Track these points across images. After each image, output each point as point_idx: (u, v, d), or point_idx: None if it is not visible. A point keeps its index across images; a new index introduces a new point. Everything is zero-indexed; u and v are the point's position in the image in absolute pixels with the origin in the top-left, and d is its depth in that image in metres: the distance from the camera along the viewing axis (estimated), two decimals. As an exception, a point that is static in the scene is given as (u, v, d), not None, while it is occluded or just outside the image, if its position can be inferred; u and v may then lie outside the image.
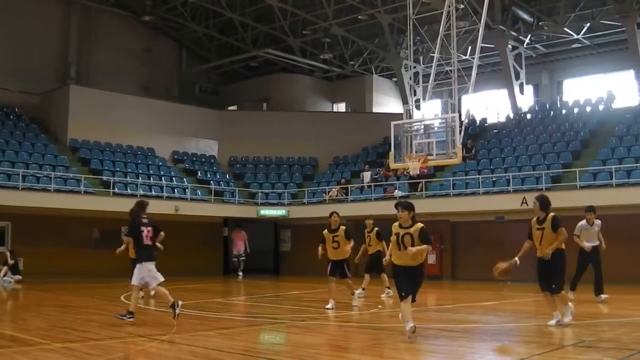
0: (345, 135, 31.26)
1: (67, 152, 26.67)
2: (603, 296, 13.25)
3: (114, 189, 24.40)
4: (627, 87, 28.12)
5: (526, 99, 30.33)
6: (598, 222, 13.30)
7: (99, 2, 31.22)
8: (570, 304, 9.60)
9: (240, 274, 25.30)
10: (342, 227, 12.59)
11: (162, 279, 10.24)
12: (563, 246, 9.30)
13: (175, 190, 26.63)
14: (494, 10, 26.63)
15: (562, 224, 9.24)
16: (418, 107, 28.48)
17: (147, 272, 10.16)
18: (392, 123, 19.51)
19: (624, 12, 25.30)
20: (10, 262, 20.88)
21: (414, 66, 31.08)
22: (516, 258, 9.27)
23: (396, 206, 8.51)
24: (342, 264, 12.61)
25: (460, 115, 20.06)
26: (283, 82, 35.38)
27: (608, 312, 12.06)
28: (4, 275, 20.51)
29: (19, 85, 28.08)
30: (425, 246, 8.26)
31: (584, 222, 13.23)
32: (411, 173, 20.43)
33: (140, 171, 27.13)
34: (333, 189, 27.18)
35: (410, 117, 20.46)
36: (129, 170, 26.92)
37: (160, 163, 28.74)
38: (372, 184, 26.42)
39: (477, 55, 20.25)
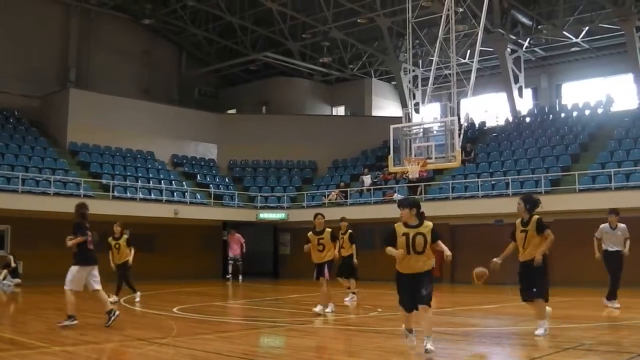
0: (344, 138, 31.28)
1: (67, 155, 26.67)
2: (615, 304, 12.41)
3: (113, 192, 24.42)
4: (625, 91, 28.19)
5: (525, 103, 30.38)
6: (622, 226, 12.53)
7: (99, 5, 31.24)
8: (546, 321, 8.80)
9: (240, 277, 24.66)
10: (328, 230, 12.05)
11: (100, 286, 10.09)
12: (547, 251, 8.83)
13: (175, 193, 26.61)
14: (493, 13, 26.67)
15: (548, 227, 8.82)
16: (417, 111, 28.47)
17: (80, 276, 9.93)
18: (392, 126, 19.54)
19: (623, 16, 25.34)
20: (13, 265, 20.90)
21: (413, 70, 31.11)
22: (497, 259, 8.77)
23: (398, 205, 7.69)
24: (323, 265, 11.97)
25: (459, 119, 20.13)
26: (282, 86, 35.41)
27: (608, 315, 12.05)
28: (4, 279, 20.47)
29: (18, 89, 28.09)
30: (445, 248, 7.51)
31: (606, 225, 12.60)
32: (410, 176, 20.45)
33: (140, 175, 27.13)
34: (332, 193, 27.19)
35: (410, 120, 20.53)
36: (129, 173, 26.91)
37: (159, 166, 28.75)
38: (372, 187, 26.43)
39: (476, 58, 20.27)
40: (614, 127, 24.88)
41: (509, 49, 28.89)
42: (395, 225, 7.52)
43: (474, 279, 8.71)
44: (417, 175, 20.19)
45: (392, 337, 9.22)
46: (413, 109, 28.60)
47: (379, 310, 12.92)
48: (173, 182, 27.71)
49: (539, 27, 28.62)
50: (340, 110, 36.35)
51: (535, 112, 29.90)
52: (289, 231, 28.46)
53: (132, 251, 14.75)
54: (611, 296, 12.58)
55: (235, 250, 24.84)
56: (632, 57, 26.21)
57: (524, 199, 9.06)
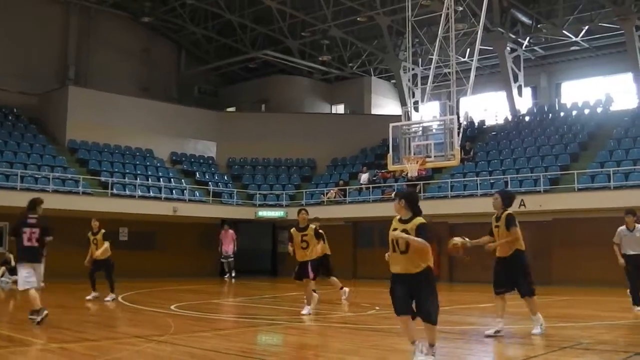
0: (343, 136, 31.27)
1: (66, 152, 26.66)
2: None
3: (112, 189, 24.41)
4: (625, 90, 28.18)
5: (524, 101, 30.37)
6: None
7: (98, 3, 31.22)
8: (539, 314, 8.87)
9: (233, 274, 23.33)
10: (312, 226, 11.69)
11: (36, 285, 10.04)
12: (522, 247, 8.72)
13: (174, 191, 26.61)
14: (492, 12, 26.65)
15: (516, 225, 8.64)
16: (417, 109, 28.48)
17: (26, 274, 9.91)
18: (391, 125, 19.53)
19: (623, 15, 25.32)
20: (12, 264, 20.85)
21: (412, 68, 31.06)
22: (469, 240, 8.34)
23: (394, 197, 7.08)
24: (307, 264, 11.55)
25: (458, 118, 20.08)
26: (282, 84, 35.40)
27: (606, 314, 12.05)
28: (2, 276, 20.47)
29: (17, 86, 28.08)
30: (419, 239, 6.39)
31: (623, 228, 11.69)
32: (409, 175, 20.44)
33: (139, 172, 27.12)
34: (331, 191, 27.18)
35: (409, 119, 20.53)
36: (128, 171, 26.91)
37: (158, 164, 28.74)
38: (371, 185, 26.42)
39: (475, 57, 20.27)
40: (613, 127, 24.88)
41: (508, 48, 28.87)
42: (394, 219, 6.83)
43: (450, 247, 8.30)
44: (416, 174, 20.17)
45: (389, 335, 9.21)
46: (412, 108, 28.60)
47: (377, 308, 12.91)
48: (172, 179, 27.70)
49: (538, 26, 28.60)
50: (339, 109, 36.35)
51: (535, 111, 29.90)
52: (288, 229, 28.40)
53: (106, 244, 14.73)
54: (636, 300, 11.70)
55: (227, 247, 23.70)
56: (632, 56, 26.20)
57: (500, 194, 9.08)
